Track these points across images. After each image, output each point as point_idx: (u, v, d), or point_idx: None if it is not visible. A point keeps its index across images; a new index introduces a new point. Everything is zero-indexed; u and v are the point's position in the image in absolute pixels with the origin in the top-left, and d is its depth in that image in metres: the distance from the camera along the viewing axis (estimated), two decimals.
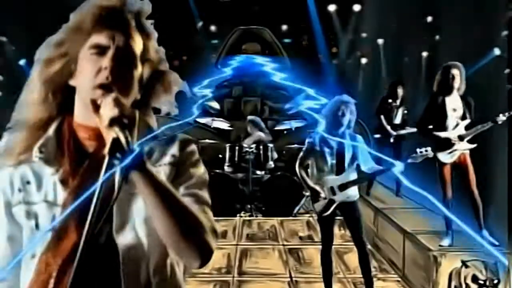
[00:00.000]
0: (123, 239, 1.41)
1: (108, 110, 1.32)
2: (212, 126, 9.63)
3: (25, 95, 1.49)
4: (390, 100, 8.28)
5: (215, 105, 9.93)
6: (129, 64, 1.46)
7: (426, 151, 5.24)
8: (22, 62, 8.96)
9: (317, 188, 5.20)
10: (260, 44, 10.83)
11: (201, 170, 1.54)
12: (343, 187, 5.24)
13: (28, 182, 1.47)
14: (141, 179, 1.33)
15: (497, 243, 5.63)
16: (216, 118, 9.72)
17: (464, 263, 5.47)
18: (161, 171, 1.47)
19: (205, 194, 1.51)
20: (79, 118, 1.48)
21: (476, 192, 5.64)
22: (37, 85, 1.47)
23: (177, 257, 1.44)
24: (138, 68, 1.48)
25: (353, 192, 5.26)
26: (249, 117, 9.04)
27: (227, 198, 7.88)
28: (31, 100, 1.49)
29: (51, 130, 1.50)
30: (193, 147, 1.57)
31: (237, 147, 8.56)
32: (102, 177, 1.27)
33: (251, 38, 10.82)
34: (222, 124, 9.67)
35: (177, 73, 1.59)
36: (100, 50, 1.43)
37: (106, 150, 1.28)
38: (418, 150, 5.26)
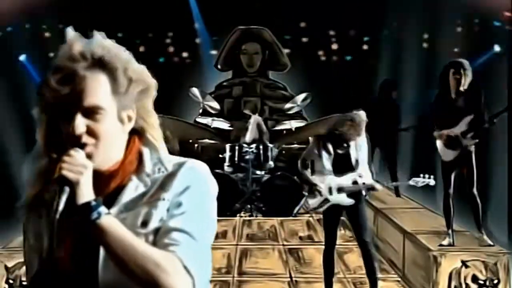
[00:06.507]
0: (106, 275, 1.41)
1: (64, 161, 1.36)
2: (212, 126, 9.61)
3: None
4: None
5: (215, 105, 9.90)
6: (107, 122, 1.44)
7: (429, 178, 5.39)
8: (22, 57, 8.90)
9: (317, 183, 5.25)
10: (260, 44, 10.80)
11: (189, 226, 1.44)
12: (341, 189, 5.26)
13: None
14: (97, 232, 1.35)
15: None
16: (216, 118, 9.69)
17: (464, 263, 5.47)
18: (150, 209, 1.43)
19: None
20: None
21: (476, 192, 5.63)
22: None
23: None
24: (110, 115, 1.44)
25: (346, 198, 5.25)
26: (253, 116, 9.02)
27: (227, 198, 7.86)
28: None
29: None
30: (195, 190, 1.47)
31: (237, 147, 8.55)
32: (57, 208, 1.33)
33: (251, 38, 10.79)
34: (222, 124, 9.65)
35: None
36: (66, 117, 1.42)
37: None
38: (421, 177, 5.39)
